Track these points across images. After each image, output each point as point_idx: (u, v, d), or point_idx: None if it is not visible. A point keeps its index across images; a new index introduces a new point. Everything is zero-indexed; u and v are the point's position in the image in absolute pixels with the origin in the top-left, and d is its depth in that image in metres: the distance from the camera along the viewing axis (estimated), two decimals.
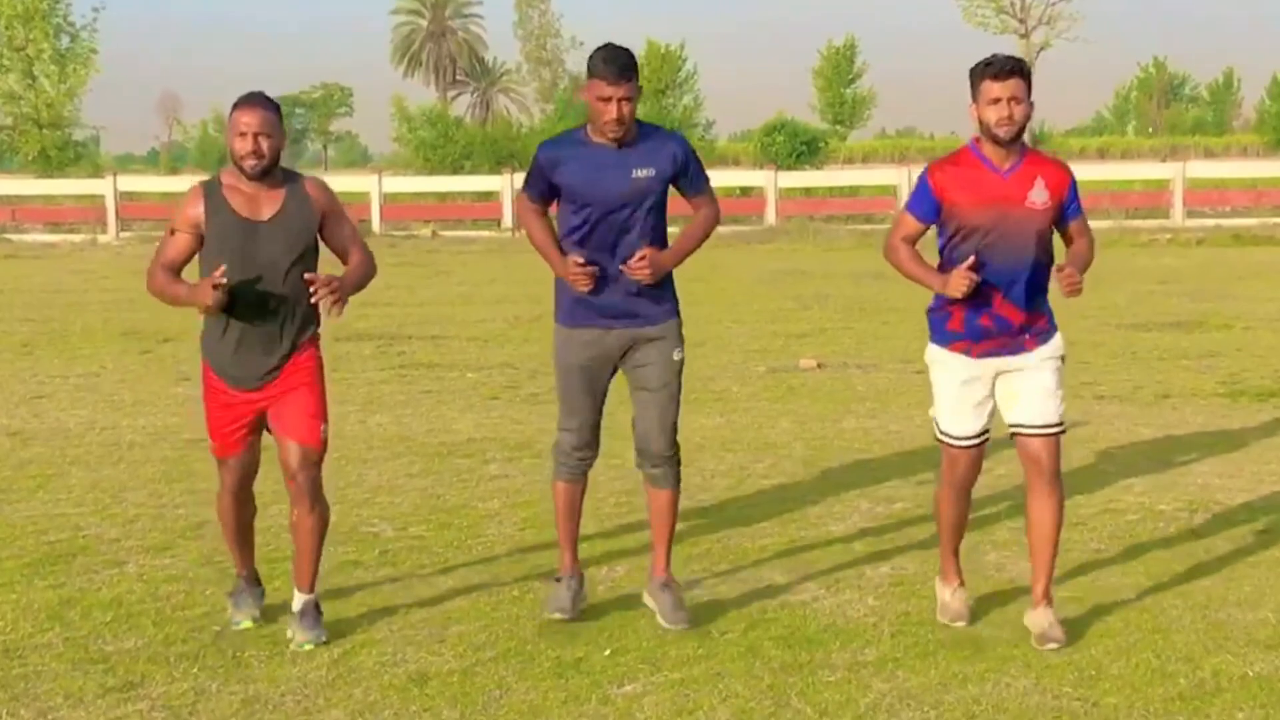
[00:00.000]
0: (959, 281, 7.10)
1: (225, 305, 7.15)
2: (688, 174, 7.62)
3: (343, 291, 7.23)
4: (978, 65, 7.16)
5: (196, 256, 7.36)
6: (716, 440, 12.36)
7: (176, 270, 7.35)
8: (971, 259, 7.12)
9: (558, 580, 7.80)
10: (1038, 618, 7.31)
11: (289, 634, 7.43)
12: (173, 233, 7.36)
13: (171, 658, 7.17)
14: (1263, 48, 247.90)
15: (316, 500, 7.45)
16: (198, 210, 7.30)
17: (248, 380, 7.36)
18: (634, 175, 7.44)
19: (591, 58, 7.43)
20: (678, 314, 7.71)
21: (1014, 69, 7.09)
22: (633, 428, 7.78)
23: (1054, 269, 7.18)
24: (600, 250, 7.49)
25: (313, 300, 7.21)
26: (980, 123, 7.15)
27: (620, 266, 7.44)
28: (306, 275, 7.21)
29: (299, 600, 7.50)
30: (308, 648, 7.35)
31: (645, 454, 7.76)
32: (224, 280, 7.05)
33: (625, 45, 7.50)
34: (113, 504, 10.27)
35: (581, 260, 7.42)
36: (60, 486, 10.85)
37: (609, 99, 7.32)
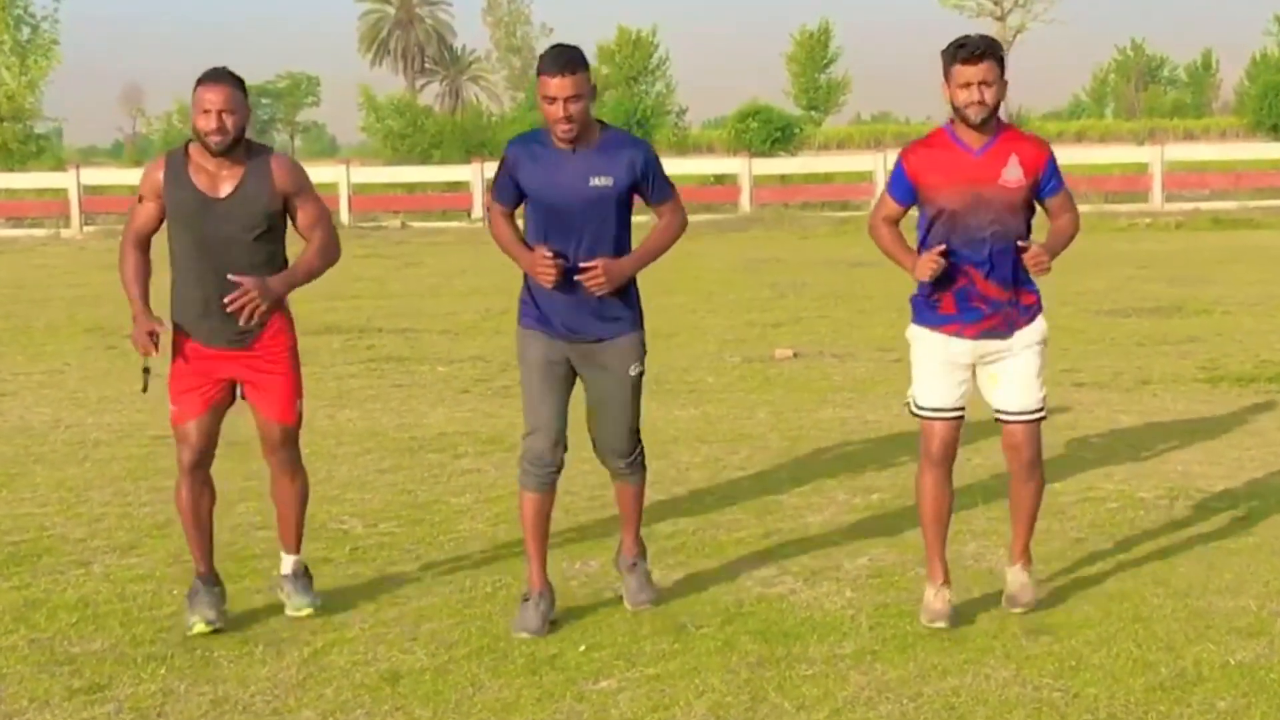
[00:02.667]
0: (925, 265, 7.14)
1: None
2: (649, 182, 7.44)
3: (261, 297, 7.22)
4: (949, 46, 7.12)
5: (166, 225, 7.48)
6: (692, 432, 12.28)
7: (146, 238, 7.53)
8: (942, 245, 7.13)
9: (525, 599, 7.53)
10: (1012, 576, 7.49)
11: (285, 601, 7.70)
12: (140, 200, 7.50)
13: (139, 658, 7.09)
14: (1241, 28, 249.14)
15: (296, 472, 7.74)
16: (159, 176, 7.41)
17: (215, 339, 7.40)
18: (591, 183, 7.28)
19: (540, 57, 7.32)
20: (638, 326, 7.57)
21: (985, 52, 7.05)
22: (593, 437, 7.70)
23: (1020, 245, 7.16)
24: (558, 256, 7.32)
25: (227, 310, 7.23)
26: (952, 104, 7.13)
27: (576, 277, 7.29)
28: (232, 278, 7.23)
29: (287, 562, 7.77)
30: (305, 612, 7.60)
31: (606, 460, 7.75)
32: (156, 350, 7.23)
33: (588, 37, 7.44)
34: (78, 503, 10.16)
35: (550, 253, 7.25)
36: (24, 485, 10.73)
37: (554, 99, 7.16)
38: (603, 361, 7.49)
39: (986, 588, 7.85)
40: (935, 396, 7.41)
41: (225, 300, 7.19)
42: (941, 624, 7.31)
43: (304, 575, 7.79)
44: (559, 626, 7.43)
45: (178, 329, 7.49)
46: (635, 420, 7.64)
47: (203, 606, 7.48)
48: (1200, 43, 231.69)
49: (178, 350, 7.50)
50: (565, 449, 7.62)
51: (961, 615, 7.39)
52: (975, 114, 7.06)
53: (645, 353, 7.62)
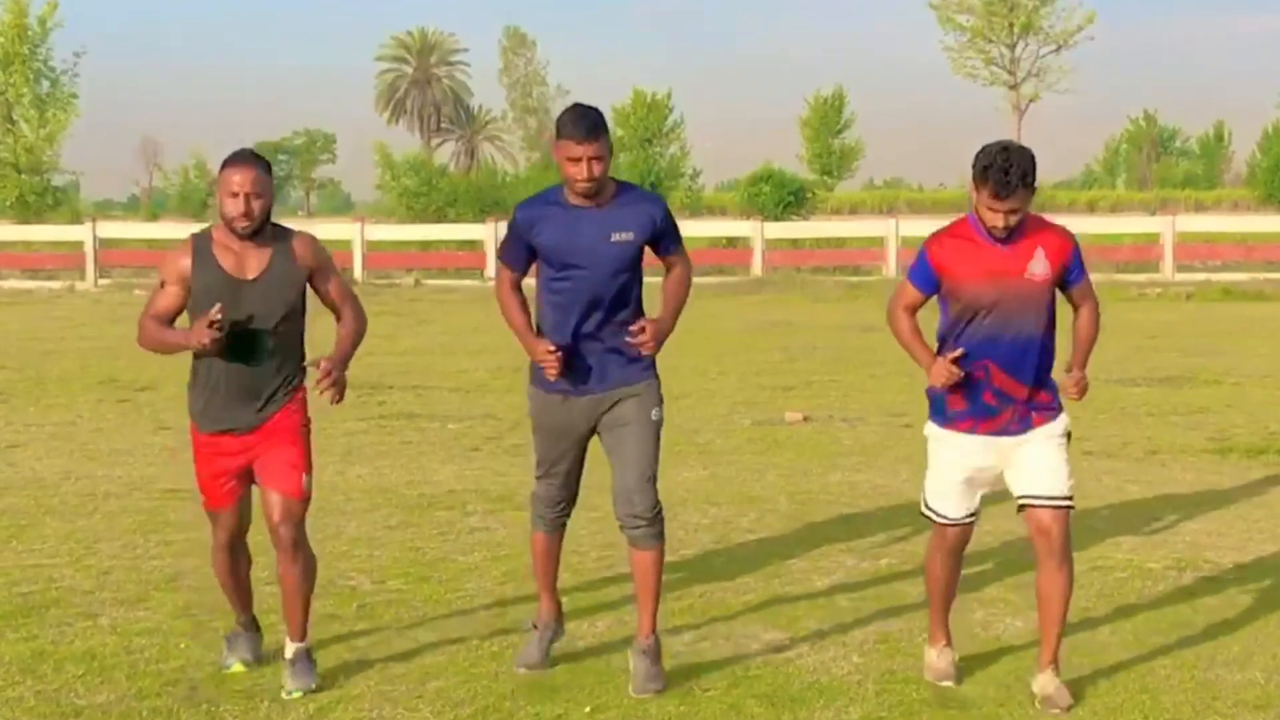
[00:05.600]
0: (940, 372, 7.13)
1: (222, 347, 7.17)
2: (665, 236, 7.57)
3: (340, 373, 7.34)
4: (979, 164, 6.95)
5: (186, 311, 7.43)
6: (700, 493, 12.26)
7: (167, 324, 7.44)
8: (959, 351, 7.09)
9: (533, 628, 7.73)
10: (1044, 681, 7.21)
11: (282, 682, 7.47)
12: (162, 285, 7.43)
13: (145, 712, 7.08)
14: (1254, 102, 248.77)
15: (299, 551, 7.48)
16: (186, 263, 7.35)
17: (231, 427, 7.39)
18: (612, 239, 7.37)
19: (560, 118, 7.39)
20: (655, 373, 7.62)
21: (1017, 186, 6.89)
22: (612, 488, 7.66)
23: (1064, 372, 7.17)
24: (577, 312, 7.42)
25: (321, 394, 7.30)
26: (976, 208, 7.08)
27: (627, 339, 7.36)
28: (308, 364, 7.39)
29: (290, 649, 7.54)
30: (296, 695, 7.37)
31: (626, 515, 7.58)
32: (219, 317, 7.07)
33: (603, 99, 7.49)
34: (87, 555, 10.14)
35: (553, 348, 7.34)
36: (34, 537, 10.71)
37: (578, 159, 7.25)
38: (623, 409, 7.52)
39: (994, 656, 7.83)
40: (948, 507, 7.38)
41: (318, 385, 7.27)
42: (948, 682, 7.29)
43: (305, 660, 7.50)
44: (564, 687, 7.40)
45: (196, 429, 7.52)
46: (654, 469, 7.60)
47: (242, 649, 7.75)
48: (1212, 115, 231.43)
49: (198, 451, 7.55)
50: (575, 498, 7.78)
51: (968, 683, 7.37)
52: (999, 234, 7.02)
53: (663, 399, 7.65)
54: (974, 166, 6.98)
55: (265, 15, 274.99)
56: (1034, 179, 6.97)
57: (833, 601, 8.98)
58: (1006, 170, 6.88)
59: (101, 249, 47.52)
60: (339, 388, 7.32)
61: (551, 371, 7.35)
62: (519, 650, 7.74)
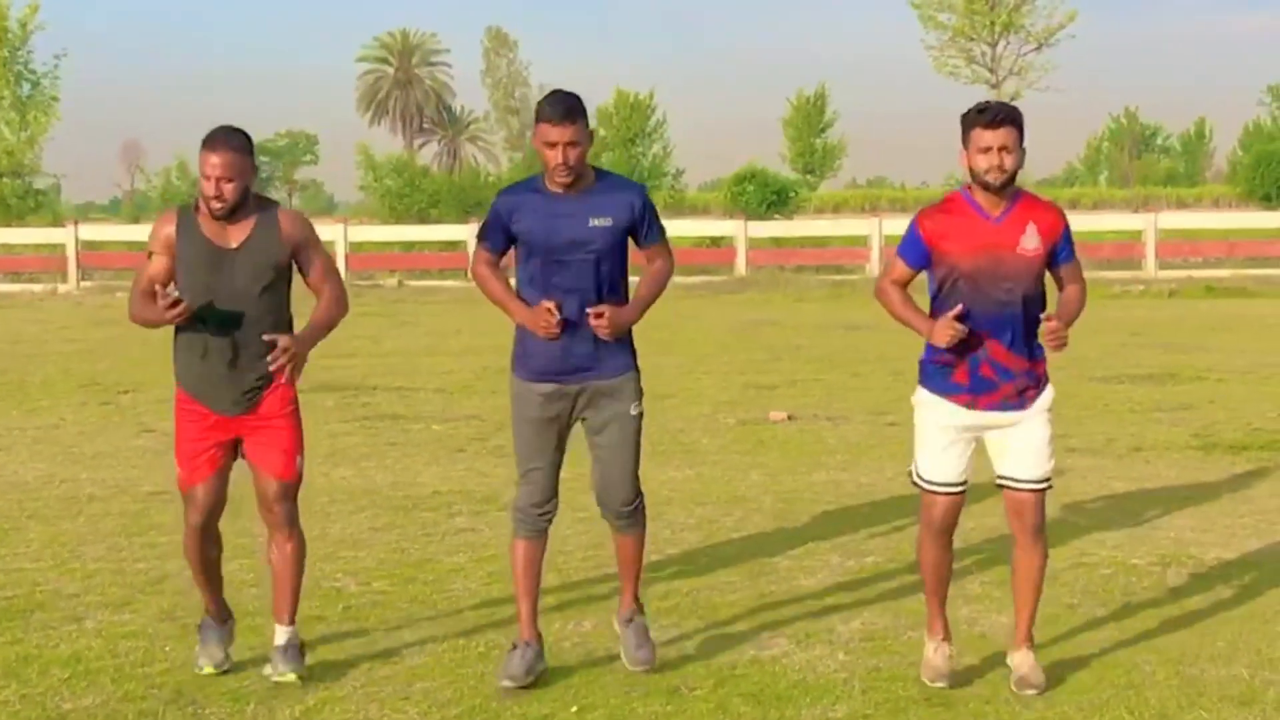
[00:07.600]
0: (944, 330, 7.08)
1: (189, 315, 7.18)
2: (645, 225, 7.56)
3: (300, 353, 7.33)
4: (970, 111, 7.12)
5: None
6: (686, 493, 12.26)
7: (153, 296, 7.40)
8: (959, 308, 7.08)
9: (513, 648, 7.55)
10: (1019, 660, 7.31)
11: (269, 669, 7.48)
12: (150, 256, 7.47)
13: (130, 715, 7.07)
14: (1235, 99, 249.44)
15: (292, 531, 7.59)
16: (170, 231, 7.41)
17: (221, 403, 7.41)
18: (590, 224, 7.38)
19: (538, 103, 7.42)
20: (636, 367, 7.64)
21: (1007, 117, 7.05)
22: (591, 482, 7.69)
23: (1043, 317, 7.13)
24: (556, 299, 7.39)
25: (270, 369, 7.29)
26: (970, 170, 7.10)
27: (590, 320, 7.36)
28: (266, 338, 7.30)
29: (280, 634, 7.55)
30: (289, 677, 7.41)
31: (607, 507, 7.71)
32: (172, 295, 7.14)
33: (586, 99, 7.46)
34: (71, 559, 10.11)
35: (554, 306, 7.32)
36: (18, 541, 10.69)
37: (554, 144, 7.27)
38: (604, 402, 7.54)
39: (980, 652, 7.83)
40: (939, 471, 7.36)
41: (268, 363, 7.25)
42: (942, 684, 7.29)
43: (295, 649, 7.54)
44: (551, 687, 7.40)
45: (183, 393, 7.50)
46: (636, 464, 7.67)
47: (212, 646, 7.68)
48: (1194, 112, 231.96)
49: (183, 414, 7.52)
50: (557, 499, 7.70)
51: (955, 680, 7.38)
52: (994, 179, 7.03)
53: (642, 394, 7.66)
54: (961, 124, 7.13)
55: (247, 17, 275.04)
56: (1021, 121, 7.10)
57: (818, 599, 8.98)
58: (991, 104, 7.18)
59: (83, 251, 47.41)
60: (295, 365, 7.31)
61: (551, 332, 7.33)
62: (501, 664, 7.57)
